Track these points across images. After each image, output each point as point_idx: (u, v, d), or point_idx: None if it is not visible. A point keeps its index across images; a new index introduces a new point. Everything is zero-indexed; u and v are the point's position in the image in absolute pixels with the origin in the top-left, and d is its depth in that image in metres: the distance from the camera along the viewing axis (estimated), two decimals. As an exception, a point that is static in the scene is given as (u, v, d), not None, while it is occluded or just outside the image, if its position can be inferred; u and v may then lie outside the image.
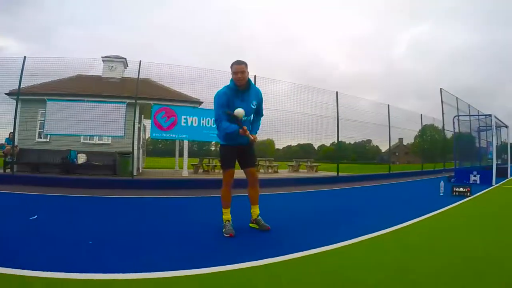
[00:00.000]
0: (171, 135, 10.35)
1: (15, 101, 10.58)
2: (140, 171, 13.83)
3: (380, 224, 4.40)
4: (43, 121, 10.68)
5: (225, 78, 10.76)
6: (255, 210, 4.29)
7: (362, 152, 25.67)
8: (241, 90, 3.98)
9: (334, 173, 13.71)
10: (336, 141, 13.39)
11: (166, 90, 13.30)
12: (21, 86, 10.15)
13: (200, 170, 15.28)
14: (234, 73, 3.91)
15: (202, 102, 12.54)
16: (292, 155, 23.30)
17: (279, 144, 19.82)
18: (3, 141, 11.40)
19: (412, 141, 23.31)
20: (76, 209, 5.55)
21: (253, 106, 4.08)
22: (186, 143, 13.30)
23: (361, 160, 26.13)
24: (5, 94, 10.33)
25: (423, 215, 5.30)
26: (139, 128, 12.53)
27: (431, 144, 24.03)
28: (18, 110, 11.03)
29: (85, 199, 6.57)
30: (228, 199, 4.15)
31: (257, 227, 4.16)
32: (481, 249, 3.42)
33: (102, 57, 14.12)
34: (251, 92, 4.07)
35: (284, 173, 16.50)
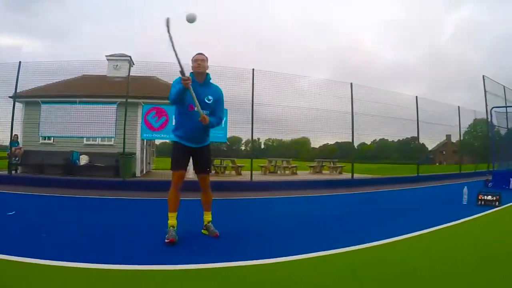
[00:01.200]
0: (162, 136, 11.42)
1: (22, 104, 12.79)
2: (145, 172, 15.16)
3: (354, 238, 4.40)
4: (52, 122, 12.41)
5: (238, 74, 12.11)
6: (207, 216, 4.70)
7: (407, 151, 25.60)
8: (198, 82, 4.39)
9: (360, 175, 14.23)
10: (377, 139, 14.06)
11: (168, 87, 14.58)
12: (25, 89, 12.21)
13: (212, 171, 16.47)
14: (194, 60, 4.43)
15: None
16: (329, 154, 23.95)
17: (315, 143, 20.70)
18: (8, 142, 12.83)
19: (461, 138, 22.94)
20: (67, 210, 6.64)
21: (207, 101, 4.40)
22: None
23: (404, 160, 25.65)
24: (9, 97, 11.65)
25: (423, 229, 4.99)
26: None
27: (480, 141, 23.11)
28: (22, 112, 13.22)
29: (81, 200, 7.76)
30: (174, 203, 4.44)
31: (207, 233, 4.55)
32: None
33: (106, 56, 15.63)
34: (208, 87, 4.49)
35: (303, 175, 17.08)
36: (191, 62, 4.47)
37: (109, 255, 3.54)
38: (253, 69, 11.66)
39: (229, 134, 12.93)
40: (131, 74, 15.56)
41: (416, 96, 14.19)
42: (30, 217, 5.53)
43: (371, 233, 4.78)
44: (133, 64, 16.19)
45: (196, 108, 4.24)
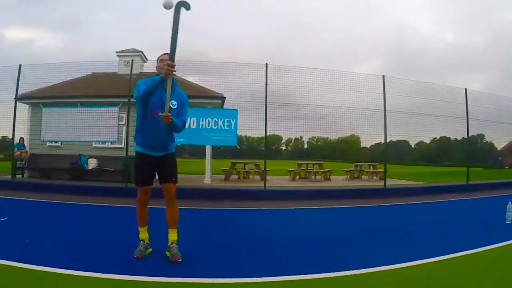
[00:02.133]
0: None
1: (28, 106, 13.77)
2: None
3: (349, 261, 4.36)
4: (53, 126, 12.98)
5: (255, 72, 12.33)
6: (171, 236, 4.50)
7: (472, 151, 23.56)
8: (164, 87, 4.27)
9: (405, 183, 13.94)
10: (437, 137, 13.72)
11: (184, 84, 14.84)
12: (32, 90, 13.25)
13: (235, 177, 16.55)
14: (160, 60, 4.41)
15: (225, 98, 13.87)
16: (381, 155, 23.54)
17: (366, 142, 20.35)
18: (13, 144, 13.86)
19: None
20: (71, 217, 7.32)
21: (172, 106, 4.37)
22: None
23: (469, 162, 24.03)
24: (15, 98, 12.33)
25: (436, 255, 4.60)
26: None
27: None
28: (29, 114, 14.17)
29: (83, 207, 8.42)
30: (141, 219, 4.63)
31: (169, 255, 4.35)
32: None
33: (116, 52, 16.16)
34: (173, 91, 4.40)
35: (338, 181, 16.89)
36: (156, 62, 4.53)
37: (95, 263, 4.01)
38: (266, 64, 11.74)
39: (268, 132, 12.91)
40: (144, 70, 16.28)
41: (383, 76, 13.29)
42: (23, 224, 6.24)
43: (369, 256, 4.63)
44: (146, 60, 16.86)
45: (166, 108, 4.20)
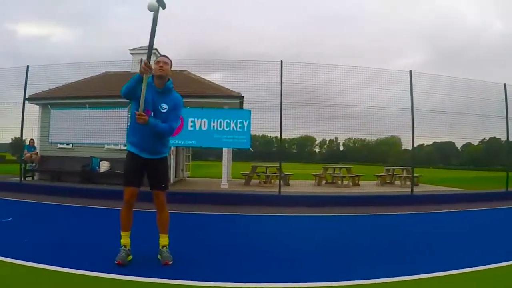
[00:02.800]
0: (176, 142, 11.95)
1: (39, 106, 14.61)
2: (173, 181, 15.70)
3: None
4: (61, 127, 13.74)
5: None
6: (162, 240, 4.80)
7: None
8: (156, 88, 4.62)
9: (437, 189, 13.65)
10: (486, 138, 13.49)
11: (201, 83, 15.28)
12: (41, 91, 14.00)
13: (257, 181, 16.58)
14: (156, 62, 4.65)
15: (243, 97, 13.94)
16: (423, 158, 23.24)
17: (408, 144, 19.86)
18: (29, 145, 14.86)
19: None
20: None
21: (162, 110, 4.63)
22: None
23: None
24: (26, 99, 13.09)
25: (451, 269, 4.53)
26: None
27: None
28: (39, 116, 14.91)
29: (91, 210, 9.08)
30: (126, 221, 4.72)
31: (160, 258, 4.66)
32: None
33: (130, 50, 16.74)
34: (167, 95, 4.68)
35: (367, 186, 16.79)
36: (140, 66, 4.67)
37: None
38: (281, 61, 11.93)
39: (300, 132, 13.34)
40: None
41: (410, 71, 13.15)
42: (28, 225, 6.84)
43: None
44: (159, 55, 17.39)
45: (140, 107, 4.42)
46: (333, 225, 8.42)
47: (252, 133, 12.56)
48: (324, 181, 17.20)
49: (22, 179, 13.40)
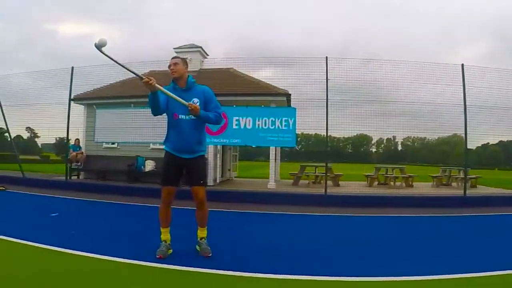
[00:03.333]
0: (222, 140, 12.35)
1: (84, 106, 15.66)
2: (220, 180, 16.08)
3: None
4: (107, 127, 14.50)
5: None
6: (201, 233, 5.22)
7: None
8: (180, 87, 4.99)
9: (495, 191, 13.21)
10: None
11: (248, 81, 15.49)
12: (86, 91, 14.80)
13: (306, 182, 16.60)
14: (168, 66, 5.03)
15: (290, 95, 14.20)
16: (488, 159, 22.87)
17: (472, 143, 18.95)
18: (74, 144, 15.52)
19: None
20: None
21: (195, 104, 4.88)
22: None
23: None
24: (71, 99, 14.02)
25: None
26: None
27: None
28: (84, 115, 15.89)
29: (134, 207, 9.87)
30: (165, 218, 5.13)
31: (199, 250, 5.11)
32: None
33: (174, 48, 16.86)
34: (192, 90, 5.05)
35: (422, 188, 16.52)
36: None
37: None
38: (326, 57, 12.06)
39: (356, 131, 13.59)
40: (204, 67, 17.51)
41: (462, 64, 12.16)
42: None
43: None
44: (207, 55, 18.15)
45: (180, 100, 4.80)
46: (375, 225, 8.51)
47: (305, 132, 12.96)
48: (376, 182, 17.20)
49: (68, 178, 14.25)
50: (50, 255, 4.91)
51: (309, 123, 12.51)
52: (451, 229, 8.27)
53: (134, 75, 4.77)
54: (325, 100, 12.01)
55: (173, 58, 5.17)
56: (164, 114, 5.12)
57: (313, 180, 16.81)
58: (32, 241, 5.40)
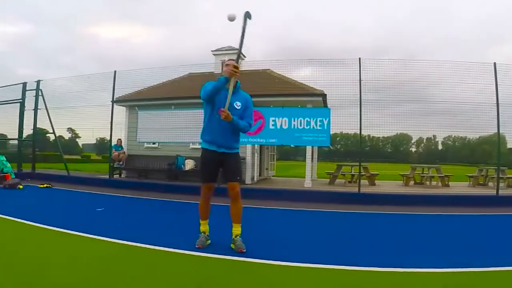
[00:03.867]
0: (258, 140, 12.93)
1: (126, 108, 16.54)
2: (258, 179, 16.77)
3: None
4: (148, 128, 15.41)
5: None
6: (235, 230, 5.42)
7: None
8: (227, 89, 5.28)
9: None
10: None
11: (285, 82, 16.03)
12: (127, 93, 15.79)
13: (341, 181, 17.05)
14: (226, 65, 5.33)
15: (326, 95, 14.66)
16: None
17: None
18: (116, 144, 16.44)
19: None
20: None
21: (236, 107, 5.40)
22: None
23: None
24: (112, 101, 15.00)
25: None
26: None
27: None
28: (126, 117, 16.72)
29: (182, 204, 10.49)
30: (203, 211, 5.59)
31: (233, 247, 5.30)
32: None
33: (212, 51, 17.63)
34: (238, 93, 5.49)
35: (459, 187, 16.55)
36: (222, 67, 5.41)
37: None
38: (359, 58, 12.59)
39: (395, 131, 13.90)
40: (241, 68, 18.29)
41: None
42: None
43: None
44: (244, 57, 18.89)
45: (226, 105, 5.20)
46: (406, 222, 8.78)
47: (344, 131, 13.31)
48: (412, 182, 17.39)
49: (111, 176, 15.25)
50: (100, 244, 5.62)
51: (349, 123, 12.87)
52: (478, 227, 8.48)
53: (236, 55, 5.46)
54: (359, 101, 12.48)
55: (230, 59, 5.57)
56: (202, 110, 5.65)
57: (349, 180, 17.16)
58: (84, 232, 6.15)
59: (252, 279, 4.29)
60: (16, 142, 17.60)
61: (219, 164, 5.51)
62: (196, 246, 5.32)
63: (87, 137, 22.10)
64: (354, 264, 4.74)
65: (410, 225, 8.39)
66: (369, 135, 14.20)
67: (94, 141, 26.20)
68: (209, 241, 5.55)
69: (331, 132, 13.03)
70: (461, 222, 9.01)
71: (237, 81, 5.48)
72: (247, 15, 5.18)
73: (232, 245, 5.37)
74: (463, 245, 6.24)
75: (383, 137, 15.58)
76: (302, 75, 16.71)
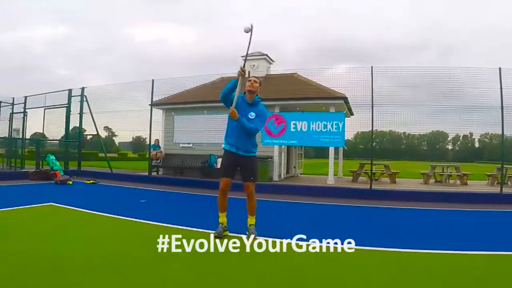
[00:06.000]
0: (281, 141, 15.08)
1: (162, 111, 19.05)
2: (284, 176, 18.68)
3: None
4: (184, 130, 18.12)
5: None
6: (250, 220, 6.52)
7: None
8: (247, 101, 6.53)
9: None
10: None
11: (309, 85, 17.90)
12: (163, 97, 18.39)
13: (364, 179, 18.59)
14: (248, 80, 6.50)
15: (347, 98, 16.45)
16: None
17: None
18: (154, 144, 18.65)
19: None
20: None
21: (250, 117, 6.46)
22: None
23: None
24: (149, 105, 17.59)
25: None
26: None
27: None
28: (163, 118, 18.88)
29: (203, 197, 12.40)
30: (221, 205, 6.53)
31: (248, 234, 6.35)
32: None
33: (242, 56, 20.38)
34: (254, 106, 6.58)
35: (477, 186, 17.59)
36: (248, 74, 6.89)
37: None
38: (371, 67, 14.60)
39: (431, 128, 15.34)
40: (270, 72, 19.66)
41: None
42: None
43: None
44: (272, 61, 20.99)
45: (233, 103, 6.35)
46: (412, 216, 10.18)
47: (379, 129, 14.90)
48: (433, 180, 18.63)
49: (150, 173, 17.72)
50: (147, 226, 7.37)
51: (381, 121, 14.66)
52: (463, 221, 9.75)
53: (243, 61, 6.59)
54: (371, 105, 14.50)
55: (253, 76, 6.84)
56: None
57: (371, 178, 17.59)
58: (134, 218, 8.08)
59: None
60: (61, 142, 20.43)
61: (237, 164, 6.53)
62: (214, 236, 6.21)
63: (123, 136, 24.40)
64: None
65: (414, 219, 9.79)
66: (404, 133, 14.77)
67: (131, 139, 28.38)
68: (227, 232, 6.52)
69: (366, 130, 14.88)
70: (448, 216, 10.29)
71: (257, 95, 6.66)
72: (250, 28, 6.28)
73: (247, 232, 6.45)
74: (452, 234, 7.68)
75: (419, 134, 16.09)
76: (326, 76, 18.53)
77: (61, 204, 9.67)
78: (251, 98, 6.60)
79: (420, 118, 14.13)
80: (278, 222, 8.44)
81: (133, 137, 25.17)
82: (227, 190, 6.55)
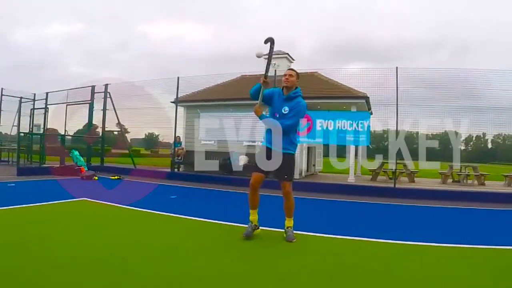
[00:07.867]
0: (307, 139, 15.72)
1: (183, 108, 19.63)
2: (305, 174, 19.50)
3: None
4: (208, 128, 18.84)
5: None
6: (287, 222, 6.46)
7: None
8: (282, 94, 6.50)
9: None
10: None
11: (331, 85, 18.49)
12: (184, 94, 19.07)
13: (383, 178, 19.20)
14: (283, 75, 6.54)
15: (368, 98, 16.98)
16: None
17: None
18: (178, 141, 19.38)
19: None
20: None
21: (284, 112, 6.38)
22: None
23: None
24: (175, 102, 18.33)
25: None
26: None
27: None
28: (184, 116, 19.78)
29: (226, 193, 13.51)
30: (251, 201, 6.49)
31: (285, 236, 6.33)
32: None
33: (263, 55, 21.15)
34: (290, 100, 6.45)
35: (495, 186, 17.71)
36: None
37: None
38: (396, 67, 15.17)
39: (443, 128, 15.34)
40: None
41: None
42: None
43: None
44: (293, 60, 21.72)
45: (258, 102, 6.45)
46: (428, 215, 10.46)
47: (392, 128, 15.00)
48: (451, 180, 19.11)
49: (172, 169, 18.49)
50: (180, 220, 8.06)
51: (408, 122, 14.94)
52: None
53: (266, 69, 6.54)
54: (396, 105, 15.09)
55: (290, 69, 6.68)
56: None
57: (390, 176, 18.79)
58: (167, 212, 8.69)
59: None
60: (80, 138, 21.31)
61: (270, 159, 6.46)
62: (243, 236, 6.34)
63: (135, 132, 25.08)
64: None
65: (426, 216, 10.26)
66: (417, 132, 15.14)
67: (143, 136, 28.89)
68: (258, 230, 6.59)
69: (394, 129, 15.20)
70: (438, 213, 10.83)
71: (296, 88, 6.59)
72: (271, 42, 6.51)
73: (284, 235, 6.45)
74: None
75: (431, 134, 16.50)
76: (346, 75, 18.98)
77: (93, 199, 10.29)
78: (287, 92, 6.53)
79: (436, 117, 14.68)
80: (343, 221, 8.98)
81: (145, 134, 25.47)
82: (258, 186, 6.45)
